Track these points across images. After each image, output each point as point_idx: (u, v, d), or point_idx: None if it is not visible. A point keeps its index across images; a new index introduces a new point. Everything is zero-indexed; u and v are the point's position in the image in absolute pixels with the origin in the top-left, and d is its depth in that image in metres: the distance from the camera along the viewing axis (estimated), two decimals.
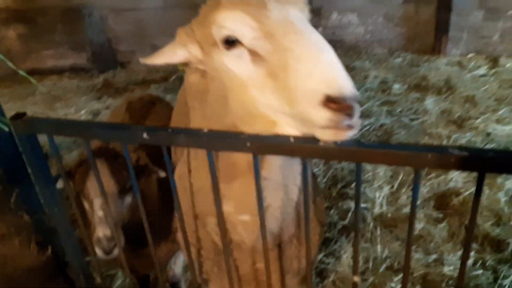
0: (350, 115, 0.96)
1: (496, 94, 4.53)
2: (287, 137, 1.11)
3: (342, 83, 0.96)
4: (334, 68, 0.99)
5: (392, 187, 3.32)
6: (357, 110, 0.97)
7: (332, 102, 0.94)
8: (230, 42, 1.13)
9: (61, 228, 1.58)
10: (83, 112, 5.25)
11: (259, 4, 1.11)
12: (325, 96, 0.95)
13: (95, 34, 6.80)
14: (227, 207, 1.37)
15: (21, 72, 1.48)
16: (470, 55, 5.59)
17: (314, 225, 1.65)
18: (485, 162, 0.95)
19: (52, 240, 1.63)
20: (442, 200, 3.16)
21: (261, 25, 1.09)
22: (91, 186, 1.80)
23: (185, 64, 1.34)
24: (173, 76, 6.23)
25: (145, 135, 1.23)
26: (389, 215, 3.06)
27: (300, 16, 1.14)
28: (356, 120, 0.98)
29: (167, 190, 1.98)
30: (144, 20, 6.69)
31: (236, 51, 1.13)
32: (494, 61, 5.37)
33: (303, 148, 1.10)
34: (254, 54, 1.11)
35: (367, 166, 3.50)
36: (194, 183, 1.50)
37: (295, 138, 1.11)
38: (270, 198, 1.37)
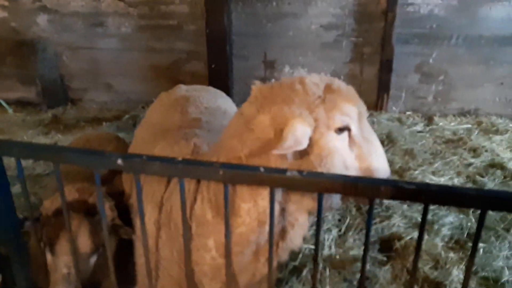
0: None
1: (431, 149, 4.96)
2: (257, 167, 1.22)
3: None
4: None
5: (340, 230, 3.48)
6: None
7: None
8: (342, 129, 1.42)
9: (15, 257, 1.53)
10: None
11: (363, 105, 1.52)
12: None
13: (47, 69, 6.68)
14: None
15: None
16: (408, 113, 6.11)
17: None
18: (429, 195, 1.10)
19: (3, 269, 1.56)
20: (386, 244, 3.33)
21: (359, 122, 1.47)
22: (63, 242, 1.72)
23: None
24: (126, 115, 6.21)
25: (119, 161, 1.28)
26: (338, 257, 3.18)
27: None
28: None
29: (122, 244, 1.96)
30: (100, 60, 6.70)
31: (343, 135, 1.43)
32: (429, 119, 5.90)
33: (271, 177, 1.20)
34: (351, 140, 1.45)
35: None
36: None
37: (265, 168, 1.21)
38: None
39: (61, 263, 1.71)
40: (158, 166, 1.26)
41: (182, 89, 2.47)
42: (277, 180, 1.19)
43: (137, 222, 1.76)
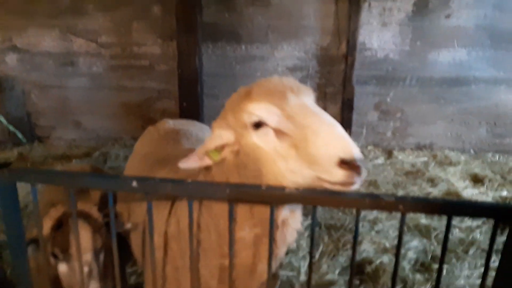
0: (359, 173, 1.31)
1: (393, 180, 5.31)
2: (259, 186, 1.40)
3: (352, 149, 1.32)
4: (345, 138, 1.36)
5: (314, 257, 3.64)
6: (364, 168, 1.33)
7: (344, 163, 1.31)
8: (258, 125, 1.48)
9: (21, 280, 1.59)
10: None
11: (280, 95, 1.50)
12: (340, 159, 1.31)
13: (13, 108, 6.64)
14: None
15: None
16: (369, 148, 6.51)
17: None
18: (407, 205, 1.32)
19: None
20: (358, 268, 3.53)
21: (283, 111, 1.47)
22: (74, 245, 1.80)
23: (219, 149, 1.59)
24: (96, 152, 6.21)
25: (134, 184, 1.42)
26: (313, 282, 3.33)
27: (311, 102, 1.54)
28: (363, 177, 1.33)
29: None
30: (69, 98, 6.74)
31: (262, 130, 1.48)
32: (388, 153, 6.32)
33: (272, 194, 1.38)
34: (278, 132, 1.46)
35: None
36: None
37: (266, 187, 1.39)
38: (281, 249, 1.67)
39: (80, 263, 1.72)
40: (171, 186, 1.41)
41: (169, 123, 2.63)
42: (277, 197, 1.38)
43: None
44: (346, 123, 6.46)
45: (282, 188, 1.37)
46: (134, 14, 6.25)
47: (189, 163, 1.56)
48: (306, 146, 1.37)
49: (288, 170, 1.42)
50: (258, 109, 1.49)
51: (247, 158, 1.52)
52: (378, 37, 6.09)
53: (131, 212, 2.05)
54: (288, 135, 1.43)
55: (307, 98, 1.55)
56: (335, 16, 6.03)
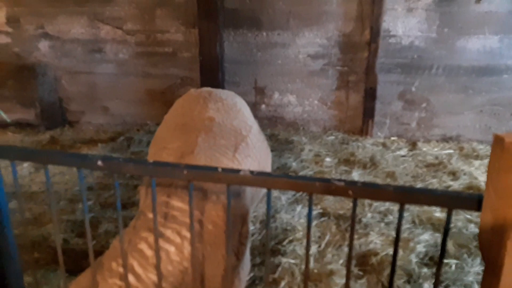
0: None
1: (413, 172, 5.16)
2: (216, 168, 1.42)
3: None
4: None
5: (320, 246, 3.63)
6: None
7: None
8: None
9: (5, 249, 1.70)
10: (25, 165, 5.23)
11: None
12: None
13: (46, 93, 6.96)
14: None
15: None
16: (392, 138, 6.35)
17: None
18: (357, 190, 1.30)
19: None
20: (363, 259, 3.49)
21: None
22: None
23: None
24: (121, 137, 6.44)
25: (99, 163, 1.49)
26: (315, 271, 3.33)
27: None
28: None
29: None
30: (97, 84, 6.99)
31: None
32: (413, 145, 6.13)
33: (227, 176, 1.40)
34: None
35: (298, 226, 3.84)
36: None
37: (222, 168, 1.42)
38: None
39: None
40: (132, 166, 1.47)
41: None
42: (233, 178, 1.40)
43: None
44: (368, 112, 6.33)
45: (237, 171, 1.39)
46: (158, 1, 6.36)
47: None
48: None
49: None
50: None
51: None
52: (403, 23, 5.88)
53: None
54: None
55: None
56: (358, 1, 5.88)
